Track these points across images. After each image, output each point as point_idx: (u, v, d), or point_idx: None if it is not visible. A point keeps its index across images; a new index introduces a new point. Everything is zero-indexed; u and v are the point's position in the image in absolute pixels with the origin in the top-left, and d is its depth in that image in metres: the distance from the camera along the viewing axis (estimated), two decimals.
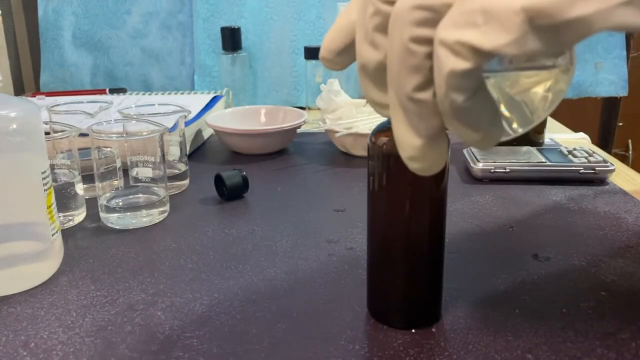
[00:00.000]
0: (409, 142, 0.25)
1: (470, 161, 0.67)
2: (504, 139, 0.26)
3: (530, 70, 0.25)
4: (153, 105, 0.68)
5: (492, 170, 0.65)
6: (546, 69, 0.25)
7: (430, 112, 0.24)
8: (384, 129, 0.34)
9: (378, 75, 0.26)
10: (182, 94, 1.00)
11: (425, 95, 0.24)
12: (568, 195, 0.61)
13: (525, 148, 0.71)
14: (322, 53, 0.29)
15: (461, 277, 0.44)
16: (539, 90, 0.26)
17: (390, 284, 0.37)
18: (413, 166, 0.26)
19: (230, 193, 0.61)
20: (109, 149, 0.57)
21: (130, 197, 0.58)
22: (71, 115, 0.65)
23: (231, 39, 1.05)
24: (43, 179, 0.43)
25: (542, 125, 0.78)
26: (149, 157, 0.57)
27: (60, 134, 0.53)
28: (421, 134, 0.25)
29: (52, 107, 0.65)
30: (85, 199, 0.59)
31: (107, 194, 0.56)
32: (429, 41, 0.23)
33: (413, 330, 0.37)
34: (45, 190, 0.44)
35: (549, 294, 0.41)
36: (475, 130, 0.24)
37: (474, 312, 0.39)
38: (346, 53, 0.28)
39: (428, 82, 0.24)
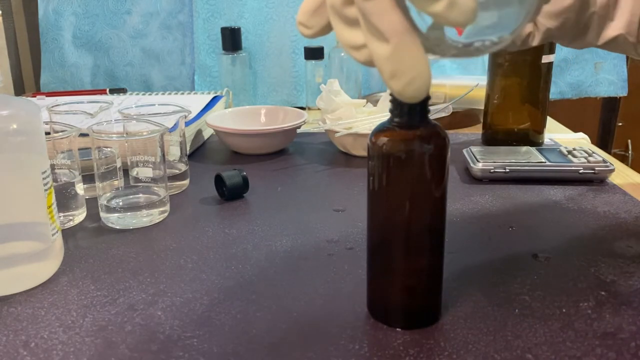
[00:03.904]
0: (382, 54, 0.27)
1: (470, 161, 0.67)
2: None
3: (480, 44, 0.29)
4: (153, 105, 0.68)
5: (491, 170, 0.65)
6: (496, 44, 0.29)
7: (385, 7, 0.26)
8: (384, 129, 0.35)
9: (347, 11, 0.28)
10: (182, 94, 1.00)
11: None
12: (568, 195, 0.61)
13: (524, 148, 0.71)
14: (298, 18, 0.31)
15: (461, 277, 0.44)
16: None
17: (390, 284, 0.37)
18: (396, 86, 0.27)
19: (230, 193, 0.61)
20: (109, 149, 0.57)
21: (131, 197, 0.58)
22: (71, 115, 0.65)
23: (231, 39, 1.05)
24: (43, 179, 0.43)
25: (542, 125, 0.78)
26: (149, 157, 0.57)
27: (60, 134, 0.53)
28: (387, 36, 0.26)
29: (52, 107, 0.65)
30: (86, 199, 0.59)
31: (108, 194, 0.56)
32: None
33: (413, 330, 0.37)
34: (45, 190, 0.44)
35: (549, 294, 0.41)
36: None
37: (474, 312, 0.39)
38: (319, 14, 0.30)
39: None
